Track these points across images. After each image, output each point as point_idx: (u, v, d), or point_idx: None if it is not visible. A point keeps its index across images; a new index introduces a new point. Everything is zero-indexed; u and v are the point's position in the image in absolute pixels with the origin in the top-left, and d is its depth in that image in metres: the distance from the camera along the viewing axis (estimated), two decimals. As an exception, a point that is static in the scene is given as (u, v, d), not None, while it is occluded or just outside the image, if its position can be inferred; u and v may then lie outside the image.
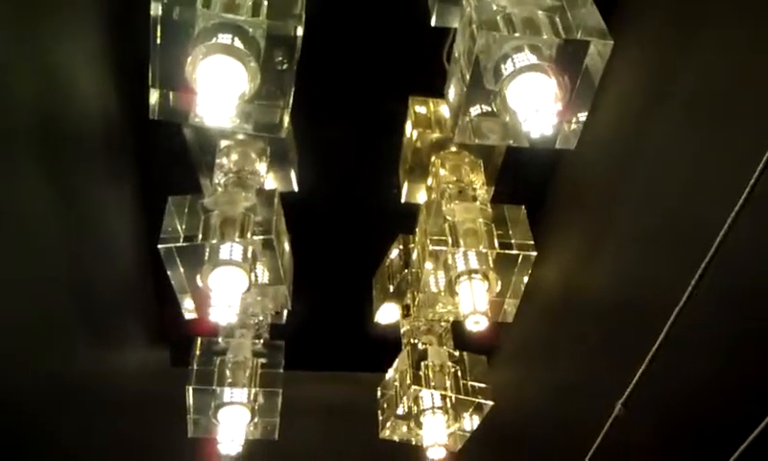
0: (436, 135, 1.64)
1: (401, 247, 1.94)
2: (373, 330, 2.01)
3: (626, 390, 1.65)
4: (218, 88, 1.06)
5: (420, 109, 1.66)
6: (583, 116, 1.20)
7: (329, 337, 2.12)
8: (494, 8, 1.14)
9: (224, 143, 1.56)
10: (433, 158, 1.65)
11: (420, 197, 1.71)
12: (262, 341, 1.76)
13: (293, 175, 1.66)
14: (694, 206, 1.45)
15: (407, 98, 1.68)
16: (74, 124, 1.46)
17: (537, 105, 1.08)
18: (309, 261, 1.72)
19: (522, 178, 1.74)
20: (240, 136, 1.57)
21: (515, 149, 1.63)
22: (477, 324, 1.39)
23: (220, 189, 1.48)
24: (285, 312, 1.92)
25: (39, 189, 1.45)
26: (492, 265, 1.44)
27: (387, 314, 2.01)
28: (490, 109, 1.22)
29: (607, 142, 1.64)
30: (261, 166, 1.55)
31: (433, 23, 1.39)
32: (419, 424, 1.75)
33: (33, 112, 1.36)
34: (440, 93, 1.63)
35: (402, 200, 1.72)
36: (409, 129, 1.68)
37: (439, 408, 1.72)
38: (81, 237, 1.62)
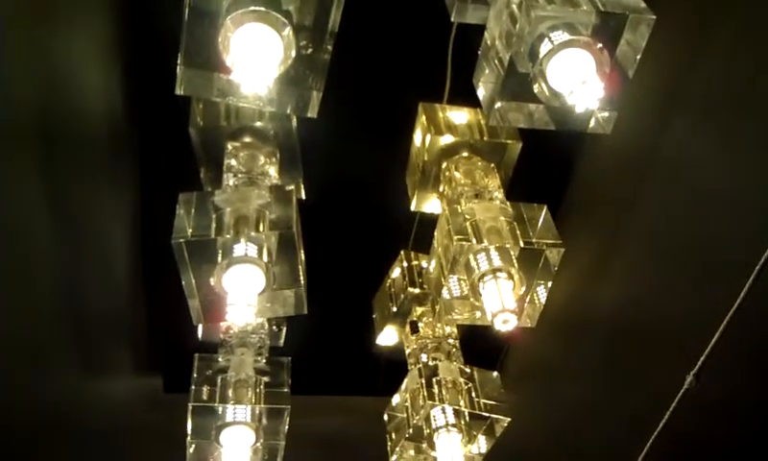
0: (447, 142, 1.61)
1: (404, 264, 1.89)
2: (375, 353, 1.93)
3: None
4: (254, 57, 1.01)
5: (430, 116, 1.63)
6: (618, 100, 1.18)
7: (329, 360, 2.03)
8: (531, -14, 1.13)
9: (231, 145, 1.50)
10: (444, 165, 1.61)
11: (431, 205, 1.67)
12: (264, 359, 1.67)
13: (300, 182, 1.60)
14: (715, 219, 1.43)
15: (412, 105, 1.65)
16: (76, 122, 1.38)
17: (583, 77, 1.05)
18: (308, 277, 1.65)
19: (533, 189, 1.72)
20: (247, 139, 1.52)
21: (525, 160, 1.63)
22: (506, 323, 1.33)
23: (230, 189, 1.41)
24: (284, 333, 1.85)
25: (34, 192, 1.36)
26: (516, 264, 1.39)
27: (389, 336, 1.94)
28: (520, 93, 1.19)
29: (622, 150, 1.63)
30: (271, 169, 1.49)
31: (453, 19, 1.38)
32: (431, 445, 1.66)
33: (32, 107, 1.28)
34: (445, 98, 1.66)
35: (412, 208, 1.67)
36: (419, 137, 1.65)
37: (453, 426, 1.64)
38: (75, 249, 1.52)
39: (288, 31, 1.04)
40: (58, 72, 1.32)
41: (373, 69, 1.70)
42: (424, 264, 1.85)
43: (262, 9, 1.03)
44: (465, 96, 1.54)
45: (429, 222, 1.61)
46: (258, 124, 1.51)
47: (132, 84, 1.45)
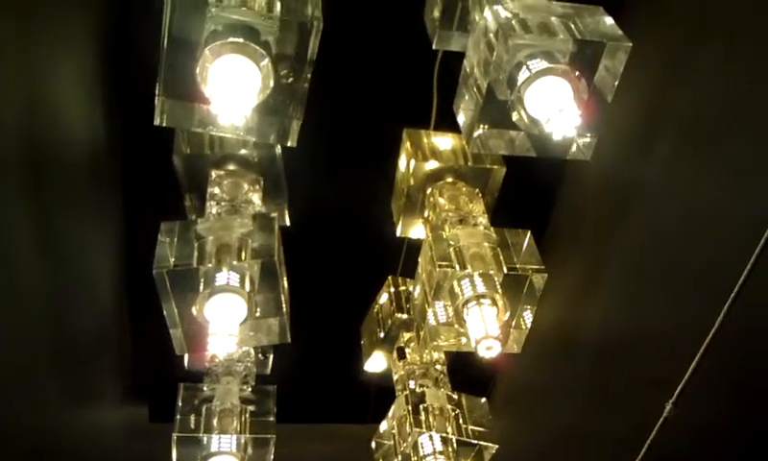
0: (431, 167, 1.61)
1: (392, 289, 1.89)
2: (364, 380, 1.92)
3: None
4: (232, 88, 1.01)
5: (414, 142, 1.64)
6: (597, 127, 1.19)
7: (317, 387, 2.02)
8: (509, 15, 1.14)
9: (215, 173, 1.50)
10: (429, 190, 1.62)
11: (417, 231, 1.67)
12: (250, 388, 1.66)
13: (285, 209, 1.60)
14: (699, 241, 1.43)
15: (397, 131, 1.66)
16: (60, 152, 1.38)
17: (560, 105, 1.06)
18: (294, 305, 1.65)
19: (517, 213, 1.72)
20: (231, 167, 1.53)
21: (510, 185, 1.64)
22: (490, 349, 1.33)
23: (213, 218, 1.41)
24: (270, 360, 1.84)
25: (19, 221, 1.36)
26: (500, 290, 1.39)
27: (377, 363, 1.93)
28: (500, 120, 1.20)
29: (605, 175, 1.63)
30: (255, 196, 1.50)
31: (435, 46, 1.40)
32: (419, 473, 1.65)
33: (16, 138, 1.28)
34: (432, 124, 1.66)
35: (398, 234, 1.67)
36: (403, 162, 1.65)
37: (441, 453, 1.62)
38: (59, 278, 1.52)
39: (266, 61, 1.05)
40: (41, 102, 1.32)
41: (359, 96, 1.71)
42: (412, 289, 1.85)
43: (240, 40, 1.03)
44: (451, 122, 1.55)
45: (419, 247, 1.60)
46: (242, 152, 1.52)
47: (115, 114, 1.45)
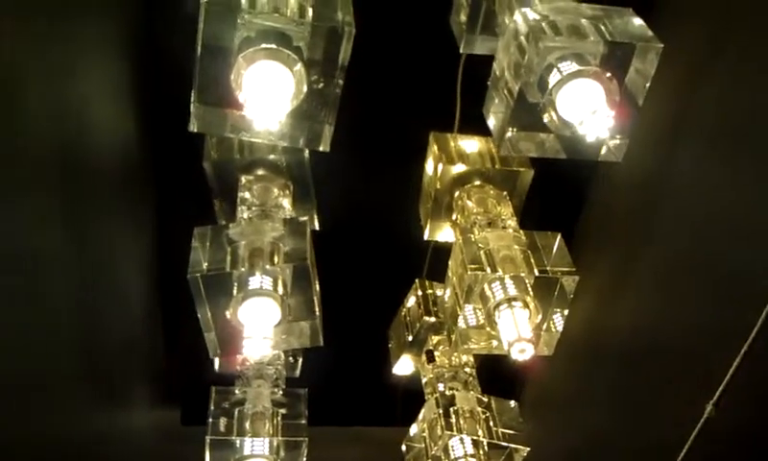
0: (459, 171, 1.61)
1: (419, 293, 1.89)
2: (393, 383, 1.93)
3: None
4: (266, 94, 1.02)
5: (441, 146, 1.64)
6: (628, 128, 1.18)
7: (346, 390, 2.03)
8: (538, 18, 1.14)
9: (244, 178, 1.52)
10: (457, 194, 1.62)
11: (444, 234, 1.67)
12: (281, 391, 1.67)
13: (314, 214, 1.61)
14: (730, 244, 1.42)
15: (424, 134, 1.66)
16: (92, 157, 1.41)
17: (593, 106, 1.06)
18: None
19: (546, 216, 1.72)
20: (261, 172, 1.54)
21: (538, 187, 1.64)
22: (523, 352, 1.32)
23: (244, 222, 1.42)
24: (300, 364, 1.85)
25: (52, 228, 1.38)
26: (531, 292, 1.39)
27: (405, 366, 1.94)
28: (530, 123, 1.20)
29: (635, 176, 1.63)
30: (285, 201, 1.51)
31: (461, 50, 1.40)
32: (450, 476, 1.65)
33: (49, 145, 1.30)
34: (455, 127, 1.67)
35: (426, 237, 1.68)
36: (431, 166, 1.66)
37: (472, 456, 1.62)
38: (92, 283, 1.54)
39: (299, 67, 1.06)
40: (74, 110, 1.34)
41: (386, 100, 1.72)
42: (439, 292, 1.85)
43: (273, 46, 1.04)
44: (475, 125, 1.55)
45: (444, 250, 1.61)
46: (271, 157, 1.53)
47: (147, 120, 1.47)
